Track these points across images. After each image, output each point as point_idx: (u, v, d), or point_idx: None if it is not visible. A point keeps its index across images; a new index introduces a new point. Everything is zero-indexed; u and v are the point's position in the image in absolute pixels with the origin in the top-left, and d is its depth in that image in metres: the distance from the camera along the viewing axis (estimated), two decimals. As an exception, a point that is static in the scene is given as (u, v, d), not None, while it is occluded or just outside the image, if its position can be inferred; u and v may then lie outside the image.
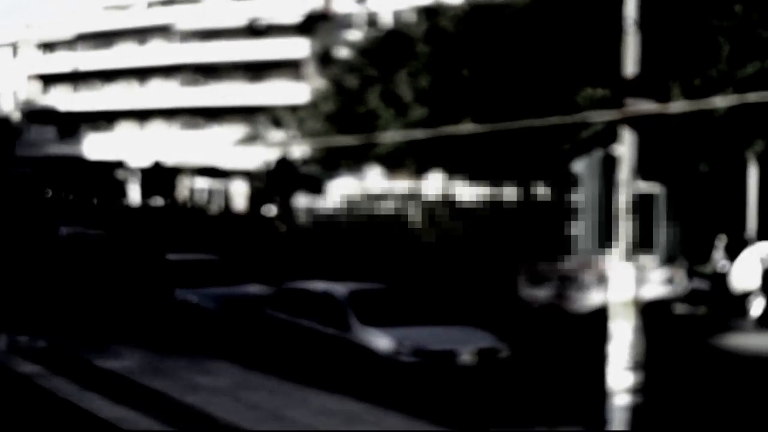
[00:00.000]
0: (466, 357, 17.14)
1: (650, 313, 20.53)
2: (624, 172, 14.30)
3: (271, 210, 56.70)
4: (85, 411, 15.27)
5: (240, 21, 71.65)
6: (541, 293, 15.21)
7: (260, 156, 59.30)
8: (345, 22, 66.62)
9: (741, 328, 26.57)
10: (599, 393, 13.37)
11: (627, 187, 14.28)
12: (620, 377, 13.77)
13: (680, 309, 24.08)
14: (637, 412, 13.51)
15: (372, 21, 56.51)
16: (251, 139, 61.21)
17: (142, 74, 78.65)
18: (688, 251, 26.12)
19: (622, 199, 14.21)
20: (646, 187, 14.34)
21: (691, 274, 27.92)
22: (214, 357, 19.60)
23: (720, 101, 29.61)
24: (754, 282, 28.00)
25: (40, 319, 23.75)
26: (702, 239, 26.72)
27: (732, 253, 29.21)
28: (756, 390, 18.35)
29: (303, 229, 34.86)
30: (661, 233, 14.48)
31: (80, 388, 16.78)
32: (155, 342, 21.07)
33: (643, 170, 14.49)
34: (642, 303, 13.80)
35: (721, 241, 30.47)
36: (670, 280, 23.25)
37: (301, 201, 58.57)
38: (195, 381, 17.56)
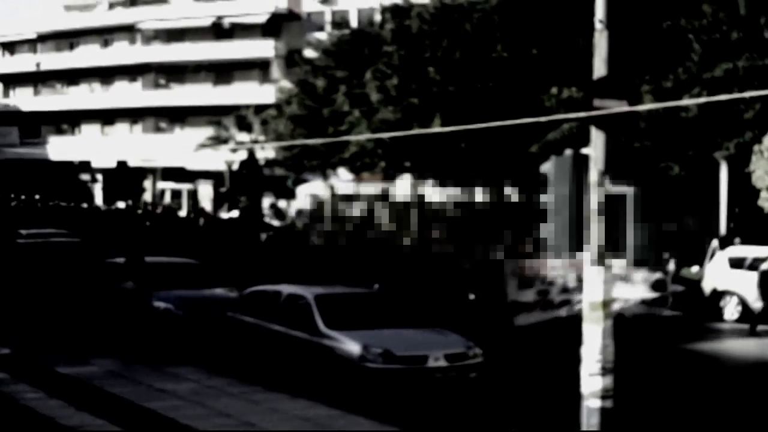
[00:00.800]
0: (436, 361, 16.95)
1: (635, 319, 20.11)
2: (593, 173, 14.19)
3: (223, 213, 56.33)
4: (47, 418, 15.01)
5: (205, 21, 71.21)
6: (530, 296, 14.71)
7: (226, 158, 59.01)
8: (311, 22, 66.39)
9: (716, 332, 26.41)
10: (574, 397, 13.25)
11: (597, 188, 14.17)
12: (591, 381, 13.66)
13: (655, 312, 23.71)
14: (607, 416, 13.41)
15: (338, 21, 56.30)
16: (216, 141, 60.85)
17: (105, 75, 78.02)
18: (682, 254, 25.75)
19: (593, 200, 14.10)
20: (616, 188, 14.23)
21: (675, 278, 27.63)
22: (181, 361, 19.33)
23: (689, 102, 29.63)
24: (728, 284, 27.87)
25: (8, 325, 23.42)
26: (691, 242, 26.43)
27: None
28: (729, 396, 18.27)
29: (271, 231, 34.63)
30: (631, 235, 14.36)
31: (45, 395, 16.51)
32: (123, 347, 20.76)
33: (613, 171, 14.39)
34: (625, 308, 13.68)
35: (713, 245, 30.05)
36: (657, 283, 22.29)
37: (268, 203, 58.27)
38: (160, 386, 17.32)
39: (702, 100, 28.66)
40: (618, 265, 14.49)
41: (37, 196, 66.34)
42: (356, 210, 26.10)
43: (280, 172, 55.00)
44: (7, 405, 15.96)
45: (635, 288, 15.67)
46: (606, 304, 13.82)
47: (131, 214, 55.09)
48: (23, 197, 65.58)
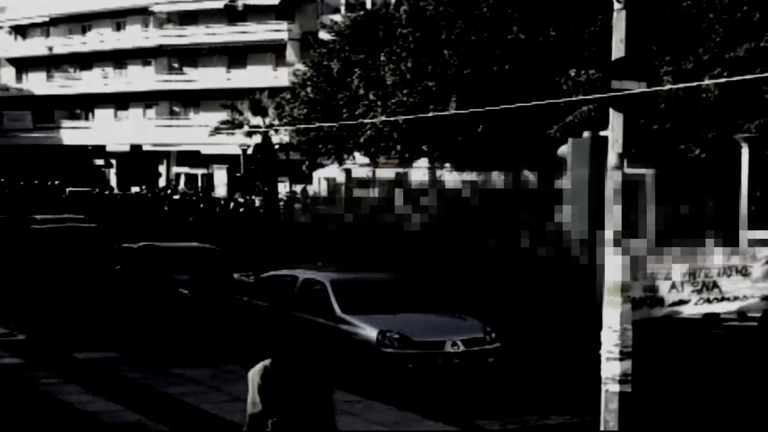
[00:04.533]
0: (453, 346, 16.84)
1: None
2: (612, 155, 14.07)
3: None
4: (65, 404, 14.98)
5: (218, 4, 71.03)
6: (636, 291, 13.40)
7: (241, 142, 58.82)
8: (326, 3, 66.16)
9: None
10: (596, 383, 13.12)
11: (616, 170, 14.05)
12: (610, 365, 13.56)
13: None
14: (626, 400, 13.31)
15: (353, 3, 56.04)
16: (231, 125, 60.73)
17: (118, 58, 77.93)
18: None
19: (611, 183, 13.98)
20: (634, 170, 14.07)
21: None
22: (198, 346, 19.24)
23: (710, 82, 29.35)
24: None
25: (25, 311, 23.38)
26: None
27: None
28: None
29: (287, 216, 34.58)
30: (649, 217, 14.22)
31: (62, 381, 16.49)
32: (138, 331, 20.70)
33: (633, 153, 14.24)
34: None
35: None
36: None
37: (284, 188, 58.09)
38: (179, 371, 17.27)
39: (723, 80, 28.38)
40: (736, 254, 13.65)
41: (55, 182, 66.10)
42: (372, 194, 25.94)
43: (296, 156, 54.88)
44: (24, 390, 15.94)
45: (755, 283, 14.11)
46: (625, 287, 13.68)
47: (144, 199, 54.71)
48: (37, 182, 65.46)
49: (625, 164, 13.86)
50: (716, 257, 13.61)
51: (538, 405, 15.59)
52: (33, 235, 29.82)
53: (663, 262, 13.56)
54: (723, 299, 13.25)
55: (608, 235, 13.66)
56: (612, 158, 13.94)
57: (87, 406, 14.84)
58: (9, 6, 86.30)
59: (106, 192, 63.77)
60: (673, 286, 13.57)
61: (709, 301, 13.39)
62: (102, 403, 15.05)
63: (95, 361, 18.24)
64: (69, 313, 22.75)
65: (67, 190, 60.98)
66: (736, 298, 13.54)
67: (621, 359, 13.39)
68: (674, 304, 13.66)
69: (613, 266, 13.74)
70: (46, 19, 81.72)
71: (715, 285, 13.52)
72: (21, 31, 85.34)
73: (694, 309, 13.79)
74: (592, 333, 13.42)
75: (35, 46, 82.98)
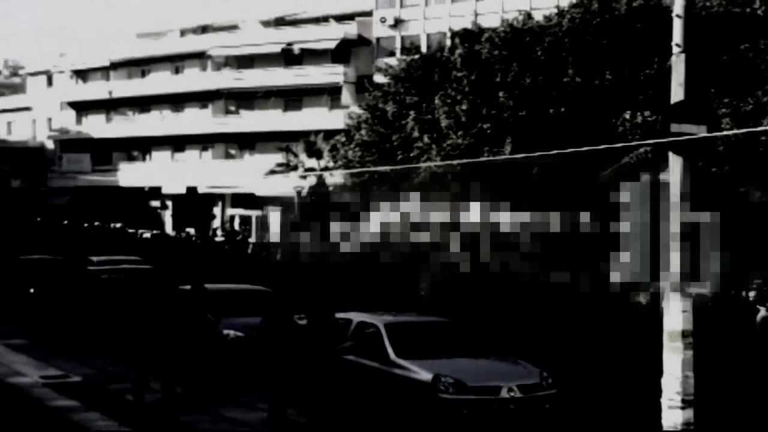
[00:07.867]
0: (509, 392, 16.55)
1: None
2: (672, 198, 13.88)
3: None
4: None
5: (275, 48, 71.58)
6: None
7: (295, 184, 58.98)
8: (381, 47, 66.43)
9: None
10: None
11: (675, 213, 13.83)
12: (671, 414, 13.28)
13: None
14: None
15: (408, 46, 56.20)
16: (286, 167, 60.94)
17: (176, 101, 78.70)
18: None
19: (671, 226, 13.76)
20: (694, 213, 13.83)
21: None
22: (247, 389, 19.09)
23: None
24: None
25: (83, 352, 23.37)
26: None
27: None
28: None
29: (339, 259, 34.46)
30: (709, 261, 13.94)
31: (116, 423, 16.43)
32: (189, 373, 20.58)
33: (692, 197, 14.00)
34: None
35: None
36: None
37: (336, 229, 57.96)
38: (230, 415, 17.16)
39: None
40: None
41: (113, 225, 66.51)
42: (425, 237, 25.76)
43: (350, 198, 54.84)
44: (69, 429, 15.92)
45: None
46: (686, 333, 13.41)
47: (200, 241, 54.61)
48: (95, 224, 65.98)
49: (684, 207, 13.67)
50: None
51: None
52: (88, 276, 29.95)
53: None
54: None
55: (668, 279, 13.44)
56: (672, 201, 13.74)
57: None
58: (70, 51, 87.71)
59: (172, 235, 63.87)
60: None
61: None
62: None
63: (148, 402, 18.16)
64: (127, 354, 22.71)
65: (139, 233, 61.49)
66: None
67: (683, 408, 13.12)
68: None
69: (674, 311, 13.49)
70: (107, 63, 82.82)
71: None
72: (82, 75, 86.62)
73: None
74: (653, 379, 13.16)
75: (95, 89, 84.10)
